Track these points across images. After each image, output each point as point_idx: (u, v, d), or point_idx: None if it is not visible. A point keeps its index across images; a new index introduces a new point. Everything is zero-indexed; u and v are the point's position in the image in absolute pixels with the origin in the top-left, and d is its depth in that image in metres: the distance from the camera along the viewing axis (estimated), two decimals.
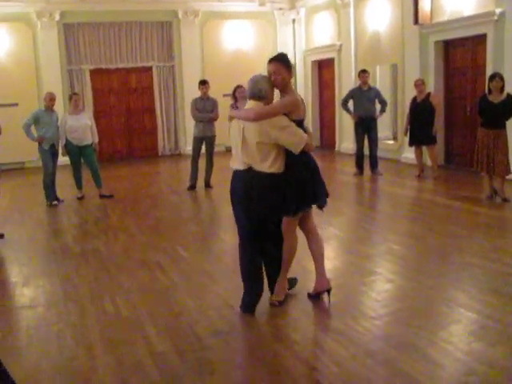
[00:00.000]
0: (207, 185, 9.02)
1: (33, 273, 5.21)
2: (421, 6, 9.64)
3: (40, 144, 8.17)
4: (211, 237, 6.39)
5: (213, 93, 9.21)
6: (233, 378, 3.15)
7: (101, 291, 4.55)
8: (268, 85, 3.81)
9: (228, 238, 6.05)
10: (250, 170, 3.82)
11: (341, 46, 12.47)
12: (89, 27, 12.82)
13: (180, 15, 13.26)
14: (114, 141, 13.51)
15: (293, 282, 4.28)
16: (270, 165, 3.76)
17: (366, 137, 9.58)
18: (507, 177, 7.17)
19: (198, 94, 9.03)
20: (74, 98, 8.58)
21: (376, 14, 11.22)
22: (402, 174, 9.76)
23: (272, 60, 3.86)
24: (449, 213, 6.76)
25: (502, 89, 6.93)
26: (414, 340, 3.41)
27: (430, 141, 8.81)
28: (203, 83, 8.95)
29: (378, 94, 9.53)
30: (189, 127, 12.00)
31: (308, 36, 13.95)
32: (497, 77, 6.95)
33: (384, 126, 11.22)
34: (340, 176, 10.08)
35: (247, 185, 3.82)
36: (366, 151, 9.54)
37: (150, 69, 13.51)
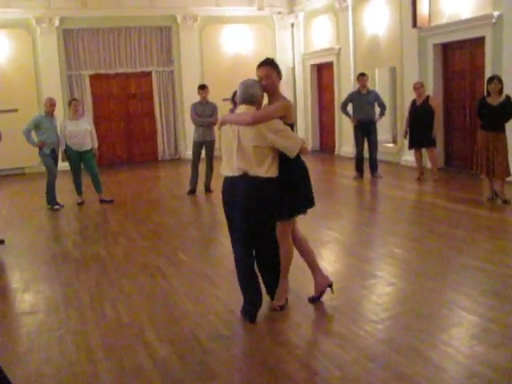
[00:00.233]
0: (207, 189, 9.02)
1: (33, 278, 5.20)
2: (419, 9, 9.66)
3: (41, 149, 8.18)
4: (211, 241, 6.39)
5: (212, 97, 9.22)
6: (234, 382, 3.14)
7: (101, 296, 4.54)
8: (260, 90, 3.83)
9: (228, 242, 5.95)
10: (244, 175, 3.77)
11: (339, 49, 12.49)
12: (88, 33, 12.85)
13: (179, 20, 13.28)
14: (114, 146, 13.53)
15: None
16: (266, 169, 3.74)
17: (365, 140, 9.59)
18: (507, 179, 7.17)
19: (197, 98, 9.04)
20: (73, 103, 8.58)
21: (374, 17, 11.24)
22: (401, 176, 9.75)
23: (262, 64, 3.86)
24: (449, 215, 6.75)
25: (500, 91, 6.94)
26: (416, 343, 3.40)
27: (430, 143, 8.81)
28: (202, 88, 8.96)
29: (377, 98, 9.54)
30: (188, 132, 12.02)
31: (307, 40, 13.95)
32: (495, 79, 6.96)
33: (383, 129, 11.23)
34: (340, 179, 10.08)
35: (243, 191, 3.78)
36: (366, 154, 9.54)
37: (149, 74, 13.53)
